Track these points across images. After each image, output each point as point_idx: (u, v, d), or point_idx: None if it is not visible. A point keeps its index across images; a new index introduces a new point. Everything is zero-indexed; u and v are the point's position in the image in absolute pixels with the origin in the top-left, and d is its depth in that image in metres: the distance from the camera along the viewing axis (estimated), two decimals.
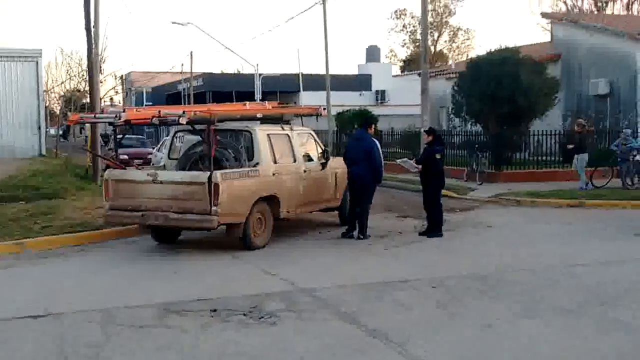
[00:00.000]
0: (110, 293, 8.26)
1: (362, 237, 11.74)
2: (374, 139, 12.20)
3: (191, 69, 46.27)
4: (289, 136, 12.17)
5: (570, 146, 19.13)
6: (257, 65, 38.62)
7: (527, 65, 24.16)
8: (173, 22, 36.25)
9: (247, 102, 12.92)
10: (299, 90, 51.38)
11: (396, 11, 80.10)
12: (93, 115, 10.42)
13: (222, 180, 10.22)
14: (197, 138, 11.84)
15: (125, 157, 16.72)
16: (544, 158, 22.40)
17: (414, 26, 73.33)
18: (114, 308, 7.48)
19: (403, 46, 78.14)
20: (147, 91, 64.17)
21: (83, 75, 56.37)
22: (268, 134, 11.64)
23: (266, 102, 13.86)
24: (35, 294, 8.23)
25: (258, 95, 36.64)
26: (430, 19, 62.84)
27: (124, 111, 10.41)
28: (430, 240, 11.80)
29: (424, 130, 12.94)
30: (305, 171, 12.23)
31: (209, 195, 10.17)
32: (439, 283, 8.51)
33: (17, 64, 32.55)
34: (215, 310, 7.38)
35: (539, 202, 16.40)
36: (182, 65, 47.61)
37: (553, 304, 7.52)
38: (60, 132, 47.69)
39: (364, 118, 12.93)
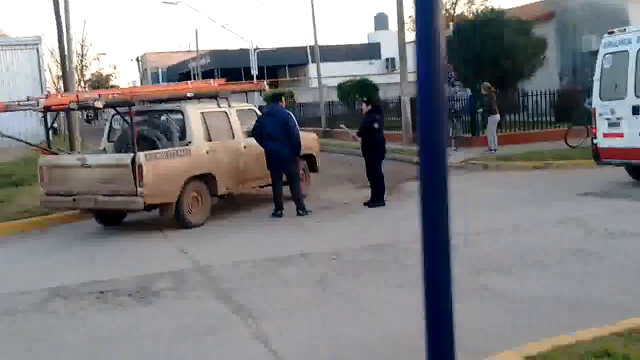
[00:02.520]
0: (9, 280, 8.44)
1: (301, 212, 11.67)
2: (288, 112, 12.08)
3: (197, 47, 46.42)
4: (226, 113, 12.17)
5: (480, 109, 19.41)
6: (252, 41, 38.47)
7: (512, 26, 23.76)
8: (164, 2, 36.22)
9: (189, 81, 12.91)
10: (307, 63, 51.35)
11: None
12: (17, 103, 10.54)
13: (145, 161, 10.32)
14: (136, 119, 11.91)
15: None
16: (538, 119, 22.01)
17: None
18: (0, 294, 7.65)
19: None
20: (163, 71, 64.55)
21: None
22: (202, 112, 11.67)
23: (212, 80, 13.83)
24: None
25: (254, 71, 36.57)
26: None
27: (47, 97, 10.53)
28: (369, 211, 11.80)
29: (362, 100, 12.83)
30: (245, 147, 12.24)
31: (133, 177, 10.28)
32: (340, 256, 8.51)
33: (18, 52, 33.03)
34: (102, 293, 7.51)
35: (504, 165, 16.21)
36: (190, 44, 47.59)
37: (411, 276, 7.40)
38: (85, 117, 48.26)
39: (278, 93, 12.53)
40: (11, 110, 10.62)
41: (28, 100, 10.40)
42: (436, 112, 1.91)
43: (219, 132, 11.91)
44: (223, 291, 7.30)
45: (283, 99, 12.70)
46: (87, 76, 42.06)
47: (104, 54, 56.15)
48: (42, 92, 31.15)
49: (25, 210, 12.61)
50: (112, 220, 11.91)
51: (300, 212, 11.67)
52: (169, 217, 11.06)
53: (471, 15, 33.50)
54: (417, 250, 7.54)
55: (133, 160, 10.27)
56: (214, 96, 12.27)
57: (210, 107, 12.07)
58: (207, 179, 11.47)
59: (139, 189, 10.29)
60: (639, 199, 11.13)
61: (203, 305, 6.91)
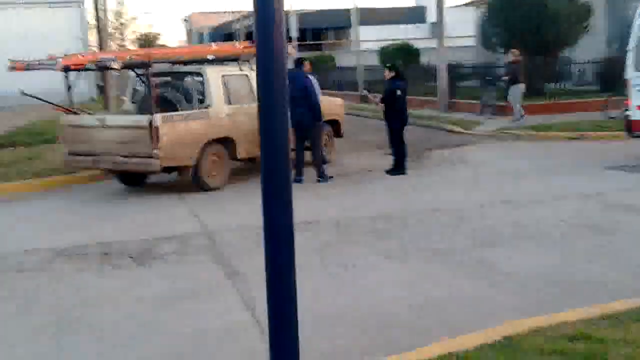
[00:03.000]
0: (22, 237, 8.59)
1: (321, 180, 11.53)
2: (310, 77, 11.85)
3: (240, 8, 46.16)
4: (247, 76, 12.07)
5: (505, 78, 18.80)
6: (291, 3, 37.80)
7: None
8: None
9: (213, 43, 12.83)
10: (350, 26, 50.70)
11: None
12: (37, 62, 10.62)
13: (162, 124, 10.33)
14: (156, 81, 11.91)
15: None
16: (582, 88, 21.34)
17: None
18: (9, 253, 7.78)
19: None
20: (209, 32, 64.52)
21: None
22: (222, 75, 11.59)
23: (237, 42, 13.72)
24: None
25: (295, 33, 36.20)
26: None
27: (65, 57, 10.57)
28: (388, 179, 11.65)
29: (386, 66, 12.58)
30: None
31: (150, 139, 10.31)
32: (342, 224, 8.45)
33: (61, 10, 33.39)
34: (106, 254, 7.59)
35: (537, 135, 15.82)
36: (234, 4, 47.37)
37: (432, 246, 7.34)
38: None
39: (299, 58, 12.21)
40: (32, 69, 10.69)
41: (51, 58, 10.43)
42: (277, 97, 1.80)
43: (240, 95, 11.82)
44: (223, 256, 7.32)
45: (305, 63, 12.39)
46: (129, 35, 42.00)
47: (148, 12, 55.84)
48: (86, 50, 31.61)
49: (53, 168, 12.76)
50: (133, 180, 11.97)
51: (320, 179, 11.56)
52: (187, 180, 11.09)
53: None
54: (423, 221, 7.50)
55: (150, 122, 10.28)
56: (235, 59, 12.16)
57: (231, 69, 11.98)
58: (226, 142, 11.44)
59: (155, 151, 10.32)
60: None
61: (200, 269, 6.94)
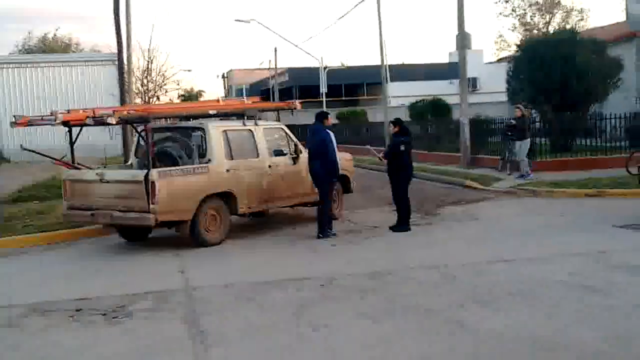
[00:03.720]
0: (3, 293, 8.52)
1: (321, 236, 11.31)
2: (329, 131, 11.77)
3: (275, 65, 46.83)
4: (252, 131, 12.03)
5: (510, 133, 18.48)
6: (322, 58, 38.36)
7: (586, 46, 22.76)
8: (236, 20, 36.75)
9: (220, 98, 12.88)
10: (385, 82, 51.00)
11: None
12: (40, 118, 10.74)
13: (159, 178, 10.29)
14: (160, 136, 11.97)
15: None
16: (610, 144, 20.81)
17: (523, 9, 70.49)
18: None
19: (513, 30, 75.38)
20: (246, 88, 65.59)
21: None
22: (224, 130, 11.57)
23: (246, 97, 13.75)
24: None
25: (323, 89, 36.53)
26: (539, 0, 60.30)
27: (67, 112, 10.69)
28: (391, 236, 11.40)
29: (390, 121, 12.41)
30: (270, 166, 12.06)
31: (146, 194, 10.26)
32: (331, 282, 8.19)
33: (97, 68, 34.28)
34: (79, 310, 7.45)
35: (555, 192, 15.38)
36: (270, 61, 48.17)
37: (417, 303, 7.05)
38: None
39: (322, 112, 12.11)
40: (34, 125, 10.82)
41: (51, 114, 10.54)
42: None
43: (243, 150, 11.77)
44: (195, 314, 7.12)
45: (329, 117, 12.28)
46: (170, 92, 42.78)
47: (189, 70, 56.99)
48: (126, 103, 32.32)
49: (61, 222, 12.77)
50: (135, 236, 11.90)
51: (320, 235, 11.34)
52: (184, 235, 10.98)
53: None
54: (413, 279, 7.22)
55: (147, 176, 10.25)
56: (241, 114, 12.16)
57: (234, 125, 11.97)
58: (226, 197, 11.35)
59: (151, 205, 10.26)
60: None
61: (166, 328, 6.73)
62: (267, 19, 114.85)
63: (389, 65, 50.37)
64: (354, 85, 54.36)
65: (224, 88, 70.01)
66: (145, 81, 32.20)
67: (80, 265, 10.08)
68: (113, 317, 7.16)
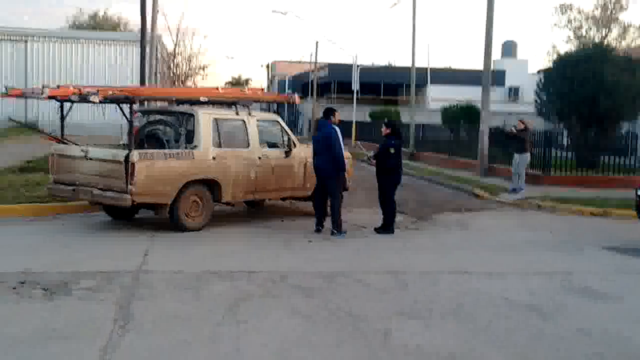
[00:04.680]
0: None
1: (335, 232, 11.14)
2: (334, 127, 11.62)
3: (316, 59, 46.76)
4: (244, 121, 11.95)
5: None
6: (356, 56, 38.12)
7: (617, 63, 22.17)
8: (273, 11, 36.77)
9: (220, 86, 12.84)
10: (425, 84, 50.68)
11: (561, 6, 75.80)
12: (31, 91, 10.82)
13: (139, 160, 10.28)
14: (153, 118, 12.01)
15: None
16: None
17: (579, 21, 69.04)
18: None
19: (567, 42, 73.98)
20: (289, 80, 65.72)
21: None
22: (215, 118, 11.50)
23: (247, 87, 13.67)
24: None
25: (355, 86, 36.29)
26: (596, 14, 59.02)
27: (56, 87, 10.76)
28: (371, 237, 11.24)
29: (383, 123, 12.18)
30: (260, 158, 11.97)
31: (125, 174, 10.28)
32: (283, 279, 8.07)
33: (125, 46, 34.72)
34: (23, 283, 7.46)
35: (560, 208, 14.99)
36: (311, 55, 48.11)
37: (352, 310, 6.88)
38: None
39: (330, 108, 11.93)
40: (26, 97, 10.91)
41: (42, 88, 10.61)
42: None
43: (232, 139, 11.70)
44: (131, 298, 7.06)
45: (336, 113, 12.12)
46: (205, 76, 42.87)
47: (231, 57, 57.44)
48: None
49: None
50: (121, 214, 11.92)
51: (335, 231, 11.15)
52: (163, 218, 10.97)
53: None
54: (363, 285, 7.09)
55: (127, 157, 10.26)
56: (233, 103, 12.09)
57: (227, 113, 11.90)
58: (210, 184, 11.30)
59: (129, 186, 10.26)
60: None
61: (95, 309, 6.69)
62: (310, 14, 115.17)
63: (430, 68, 50.07)
64: (394, 85, 53.96)
65: (267, 78, 70.29)
66: (172, 65, 32.35)
67: (50, 240, 10.11)
68: (52, 293, 7.15)
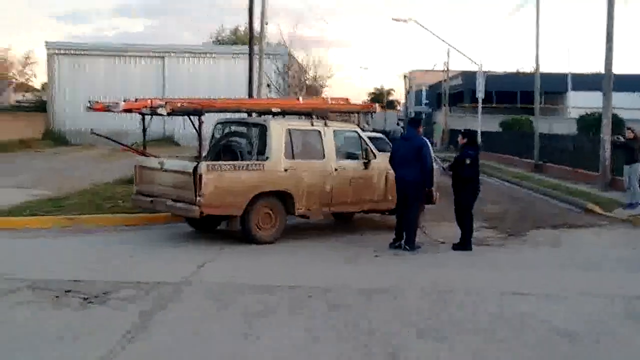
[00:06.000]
0: (24, 266, 9.05)
1: (407, 248, 10.79)
2: (425, 139, 11.25)
3: (448, 68, 45.99)
4: (319, 132, 11.82)
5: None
6: (481, 64, 36.74)
7: None
8: (394, 19, 36.30)
9: (301, 97, 12.81)
10: (565, 91, 48.41)
11: None
12: (108, 105, 11.24)
13: (207, 172, 10.42)
14: (228, 129, 12.17)
15: None
16: None
17: None
18: None
19: None
20: (426, 89, 65.00)
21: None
22: (288, 129, 11.46)
23: (328, 97, 13.55)
24: None
25: (480, 94, 35.13)
26: None
27: (135, 101, 11.15)
28: (445, 253, 10.75)
29: (460, 132, 11.60)
30: (336, 169, 11.78)
31: (194, 185, 10.45)
32: (325, 293, 7.88)
33: (242, 60, 35.62)
34: (68, 292, 7.71)
35: None
36: (444, 63, 47.30)
37: (364, 326, 6.60)
38: None
39: (417, 118, 11.61)
40: (107, 110, 11.32)
41: (117, 102, 11.04)
42: None
43: (307, 150, 11.63)
44: (156, 308, 7.14)
45: (421, 124, 11.81)
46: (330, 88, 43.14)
47: (365, 67, 57.50)
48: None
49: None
50: (203, 226, 12.10)
51: (407, 247, 10.78)
52: (235, 230, 11.05)
53: None
54: (399, 301, 6.83)
55: (195, 168, 10.43)
56: (308, 113, 12.01)
57: (301, 124, 11.84)
58: (283, 196, 11.25)
59: (197, 197, 10.41)
60: None
61: (119, 316, 6.88)
62: (433, 22, 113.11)
63: (572, 74, 47.70)
64: (531, 93, 51.71)
65: (404, 88, 69.89)
66: (285, 78, 32.79)
67: (122, 249, 10.41)
68: (89, 302, 7.36)
